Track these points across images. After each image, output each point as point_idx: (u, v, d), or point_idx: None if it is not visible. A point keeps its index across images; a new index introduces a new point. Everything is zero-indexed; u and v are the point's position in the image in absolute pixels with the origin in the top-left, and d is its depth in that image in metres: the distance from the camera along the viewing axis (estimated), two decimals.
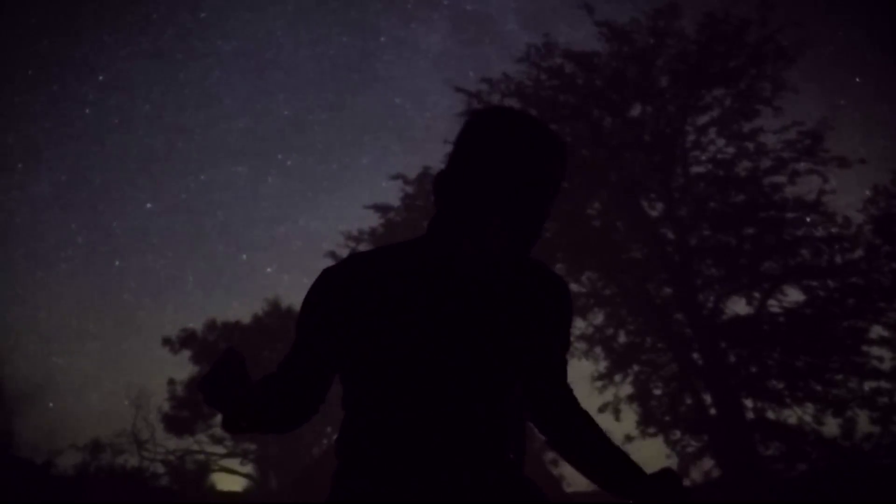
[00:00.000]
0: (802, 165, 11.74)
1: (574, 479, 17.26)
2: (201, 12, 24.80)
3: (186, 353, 20.17)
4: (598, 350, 13.61)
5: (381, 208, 13.17)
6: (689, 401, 11.67)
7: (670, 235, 12.70)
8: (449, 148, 1.34)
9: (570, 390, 1.43)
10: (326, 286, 1.24)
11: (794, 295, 11.60)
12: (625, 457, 1.34)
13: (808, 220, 11.67)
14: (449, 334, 1.21)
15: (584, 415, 1.40)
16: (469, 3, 25.93)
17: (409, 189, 12.97)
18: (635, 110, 13.22)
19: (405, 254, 1.28)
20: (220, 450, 18.37)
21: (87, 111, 25.22)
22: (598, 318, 13.79)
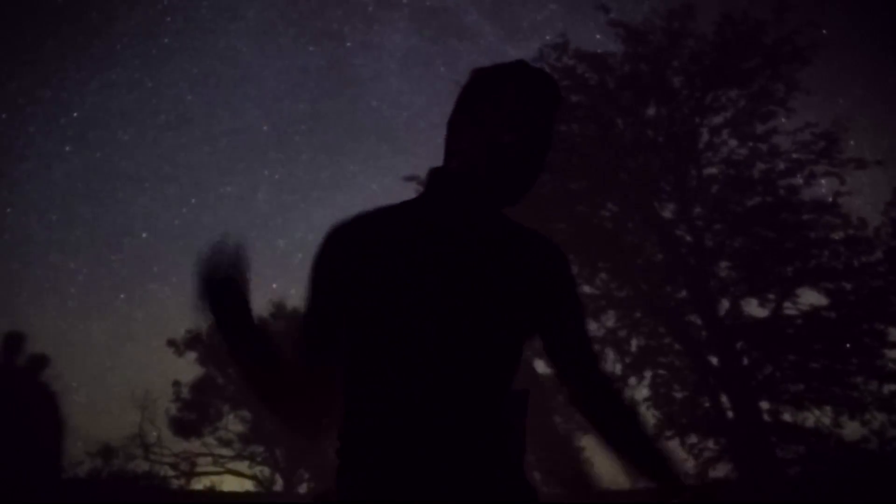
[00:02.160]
0: (819, 167, 11.71)
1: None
2: (164, 38, 24.82)
3: (192, 355, 20.01)
4: (609, 353, 13.58)
5: None
6: (706, 404, 11.61)
7: (685, 237, 12.65)
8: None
9: (593, 355, 1.43)
10: (335, 239, 1.29)
11: (809, 297, 11.56)
12: (648, 436, 1.34)
13: (824, 221, 11.63)
14: (445, 288, 1.22)
15: (606, 381, 1.42)
16: None
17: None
18: (649, 111, 13.18)
19: (408, 209, 1.32)
20: (228, 452, 18.26)
21: (68, 148, 25.16)
22: (611, 320, 13.75)
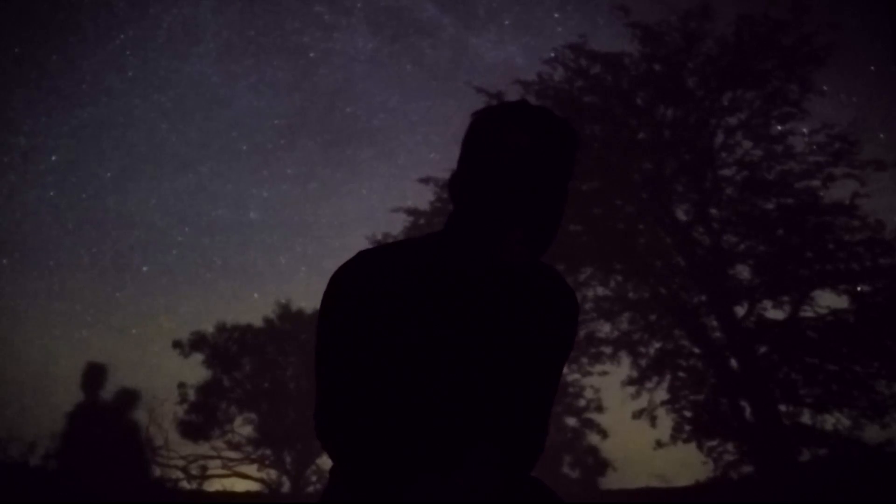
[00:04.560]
0: (838, 169, 11.65)
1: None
2: (127, 72, 24.74)
3: (197, 357, 19.87)
4: (622, 355, 13.53)
5: (411, 212, 13.00)
6: (724, 407, 11.56)
7: (702, 239, 12.61)
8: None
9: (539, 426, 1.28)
10: (337, 289, 1.24)
11: (827, 299, 11.51)
12: None
13: (842, 224, 11.58)
14: (453, 337, 1.20)
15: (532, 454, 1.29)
16: None
17: (442, 193, 12.80)
18: (663, 111, 13.11)
19: (418, 252, 1.26)
20: (236, 455, 18.17)
21: (52, 193, 24.80)
22: (624, 323, 13.69)
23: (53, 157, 25.05)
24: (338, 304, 1.23)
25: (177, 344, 19.36)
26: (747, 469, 11.35)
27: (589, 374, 13.86)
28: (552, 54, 13.38)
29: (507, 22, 25.47)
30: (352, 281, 1.23)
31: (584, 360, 13.61)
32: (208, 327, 19.14)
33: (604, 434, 15.14)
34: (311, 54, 26.95)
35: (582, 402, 16.27)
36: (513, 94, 13.17)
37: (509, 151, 1.15)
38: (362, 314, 1.20)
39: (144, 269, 26.51)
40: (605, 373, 13.49)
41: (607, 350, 13.66)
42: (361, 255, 1.27)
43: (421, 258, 1.26)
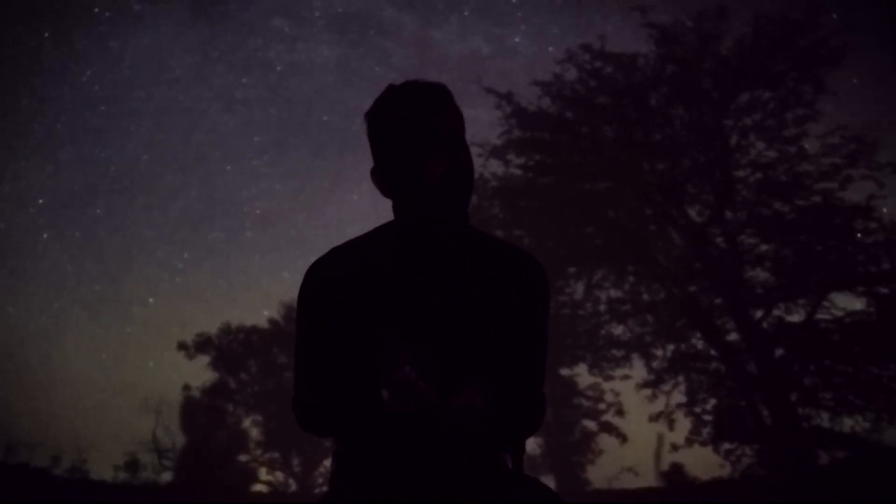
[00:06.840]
0: (857, 171, 11.60)
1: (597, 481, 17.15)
2: (100, 106, 24.57)
3: (203, 359, 19.75)
4: (634, 357, 13.48)
5: None
6: (743, 411, 11.51)
7: (718, 241, 12.55)
8: None
9: (529, 372, 1.33)
10: (315, 279, 1.32)
11: (844, 302, 11.47)
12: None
13: (859, 226, 11.54)
14: (424, 309, 1.25)
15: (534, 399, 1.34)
16: (339, 4, 26.23)
17: None
18: (678, 112, 13.06)
19: (381, 239, 1.35)
20: (244, 458, 18.04)
21: (46, 235, 24.59)
22: (637, 325, 13.64)
23: (40, 200, 24.89)
24: (311, 296, 1.32)
25: (182, 346, 19.24)
26: (761, 472, 11.30)
27: (611, 377, 13.78)
28: (566, 55, 13.29)
29: (466, 13, 25.47)
30: (323, 273, 1.32)
31: (605, 364, 13.56)
32: (215, 340, 18.98)
33: (623, 438, 14.97)
34: (279, 68, 26.89)
35: (601, 406, 16.08)
36: (529, 95, 13.11)
37: (394, 130, 1.27)
38: (337, 302, 1.28)
39: (151, 300, 26.29)
40: (626, 376, 13.40)
41: (619, 353, 13.62)
42: (333, 250, 1.36)
43: (383, 244, 1.34)
